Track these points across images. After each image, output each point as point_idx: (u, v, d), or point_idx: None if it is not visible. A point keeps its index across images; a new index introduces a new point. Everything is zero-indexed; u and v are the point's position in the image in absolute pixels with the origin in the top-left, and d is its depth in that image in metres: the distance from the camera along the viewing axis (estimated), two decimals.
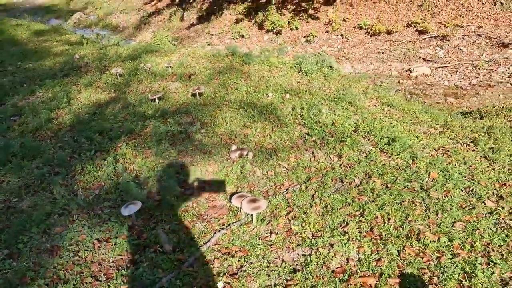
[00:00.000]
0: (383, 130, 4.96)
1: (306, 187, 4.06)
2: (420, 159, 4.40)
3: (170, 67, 7.83)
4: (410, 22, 11.36)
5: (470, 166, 4.35)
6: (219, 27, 15.35)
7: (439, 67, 9.52)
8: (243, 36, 14.10)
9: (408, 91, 8.93)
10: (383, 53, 10.86)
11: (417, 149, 4.62)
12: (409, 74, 9.63)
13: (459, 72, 9.18)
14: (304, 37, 12.80)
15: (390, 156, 4.50)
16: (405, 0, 12.23)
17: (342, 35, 12.19)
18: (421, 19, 11.20)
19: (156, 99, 6.30)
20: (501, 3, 10.49)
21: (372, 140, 4.81)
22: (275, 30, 13.51)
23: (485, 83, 8.63)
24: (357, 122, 5.24)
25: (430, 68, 9.57)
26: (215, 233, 3.54)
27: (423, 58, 10.09)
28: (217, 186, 4.25)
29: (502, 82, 8.54)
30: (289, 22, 13.43)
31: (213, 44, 14.26)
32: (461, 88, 8.70)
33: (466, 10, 10.97)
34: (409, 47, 10.67)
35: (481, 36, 10.04)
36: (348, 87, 6.89)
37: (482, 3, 10.83)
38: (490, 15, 10.53)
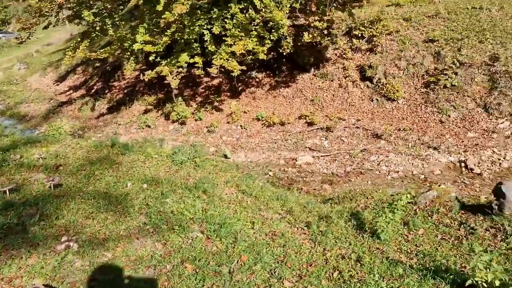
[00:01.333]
0: (218, 217, 5.46)
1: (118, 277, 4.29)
2: (240, 244, 4.86)
3: (42, 158, 8.07)
4: (301, 115, 12.83)
5: (288, 249, 4.88)
6: (128, 117, 16.08)
7: (321, 156, 10.66)
8: (149, 126, 14.85)
9: (290, 179, 9.81)
10: (275, 142, 11.98)
11: (243, 234, 5.11)
12: (294, 163, 10.63)
13: (337, 161, 10.34)
14: (207, 127, 13.80)
15: (213, 242, 4.93)
16: (300, 96, 13.92)
17: (241, 125, 13.34)
18: (310, 112, 12.72)
19: (7, 191, 6.41)
20: (377, 99, 12.34)
21: (203, 227, 5.25)
22: (180, 120, 14.45)
23: (357, 171, 9.77)
24: (199, 210, 5.72)
25: (314, 157, 10.67)
26: None
27: (309, 148, 11.27)
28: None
29: (372, 169, 9.72)
30: (193, 113, 14.50)
31: (118, 134, 14.78)
32: (337, 175, 9.75)
33: (349, 105, 12.71)
34: (298, 138, 11.91)
35: (359, 128, 11.57)
36: (214, 176, 7.52)
37: (362, 99, 12.66)
38: (368, 110, 12.28)
